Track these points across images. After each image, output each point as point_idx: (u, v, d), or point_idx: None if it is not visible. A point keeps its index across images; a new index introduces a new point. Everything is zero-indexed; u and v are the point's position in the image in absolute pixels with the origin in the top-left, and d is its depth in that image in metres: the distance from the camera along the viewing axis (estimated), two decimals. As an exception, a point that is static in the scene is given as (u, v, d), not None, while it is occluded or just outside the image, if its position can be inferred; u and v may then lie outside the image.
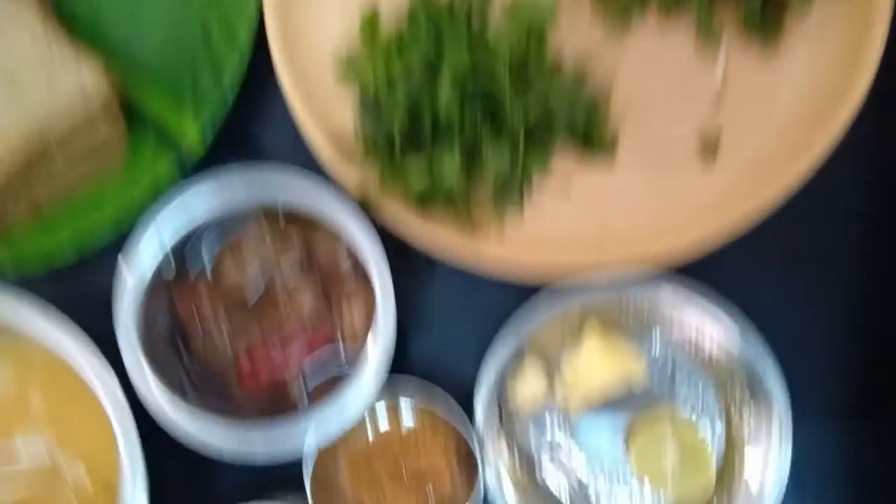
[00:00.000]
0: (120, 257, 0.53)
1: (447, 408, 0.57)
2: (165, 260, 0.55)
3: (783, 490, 0.56)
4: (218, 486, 0.63)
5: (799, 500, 0.59)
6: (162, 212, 0.54)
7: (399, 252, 0.58)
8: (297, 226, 0.58)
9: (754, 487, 0.57)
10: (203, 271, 0.58)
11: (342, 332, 0.58)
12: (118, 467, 0.53)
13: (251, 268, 0.57)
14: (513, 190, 0.61)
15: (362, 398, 0.54)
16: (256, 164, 0.56)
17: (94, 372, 0.52)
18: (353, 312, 0.58)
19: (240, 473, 0.61)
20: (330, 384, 0.58)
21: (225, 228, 0.58)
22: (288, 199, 0.55)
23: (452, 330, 0.64)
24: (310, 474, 0.56)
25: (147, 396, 0.53)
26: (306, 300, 0.57)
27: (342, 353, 0.58)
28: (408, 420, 0.60)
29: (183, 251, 0.58)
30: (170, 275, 0.57)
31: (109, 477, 0.55)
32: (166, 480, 0.55)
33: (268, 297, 0.58)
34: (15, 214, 0.60)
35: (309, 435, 0.53)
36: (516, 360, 0.59)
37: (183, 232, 0.55)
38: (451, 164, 0.55)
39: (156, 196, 0.58)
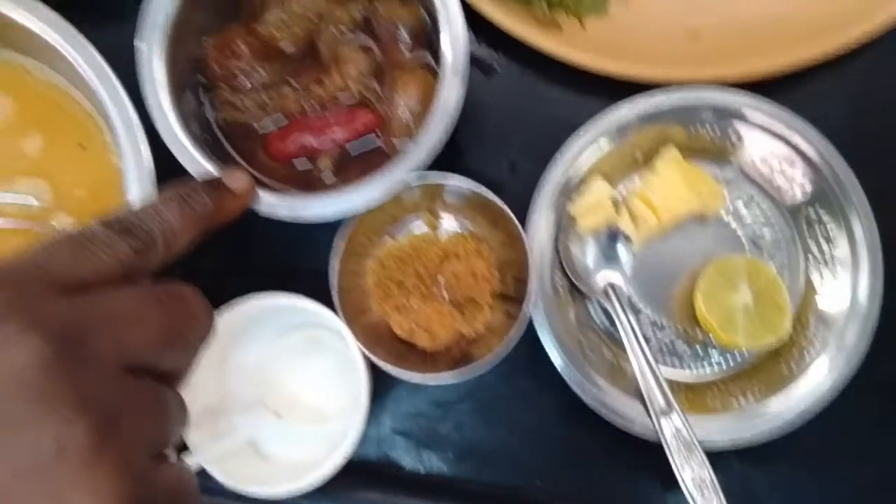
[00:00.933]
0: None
1: (499, 209, 0.50)
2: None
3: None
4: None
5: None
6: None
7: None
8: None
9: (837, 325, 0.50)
10: (245, 14, 0.51)
11: (391, 117, 0.50)
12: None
13: (298, 16, 0.50)
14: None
15: (397, 179, 0.46)
16: None
17: (109, 95, 0.45)
18: (407, 94, 0.49)
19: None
20: (364, 160, 0.50)
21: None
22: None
23: (508, 145, 0.56)
24: (336, 268, 0.48)
25: (164, 126, 0.45)
26: (356, 66, 0.50)
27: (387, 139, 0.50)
28: (449, 222, 0.53)
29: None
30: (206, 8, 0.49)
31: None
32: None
33: (313, 55, 0.51)
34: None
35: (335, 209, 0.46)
36: (579, 177, 0.52)
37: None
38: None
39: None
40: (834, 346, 0.50)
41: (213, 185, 0.39)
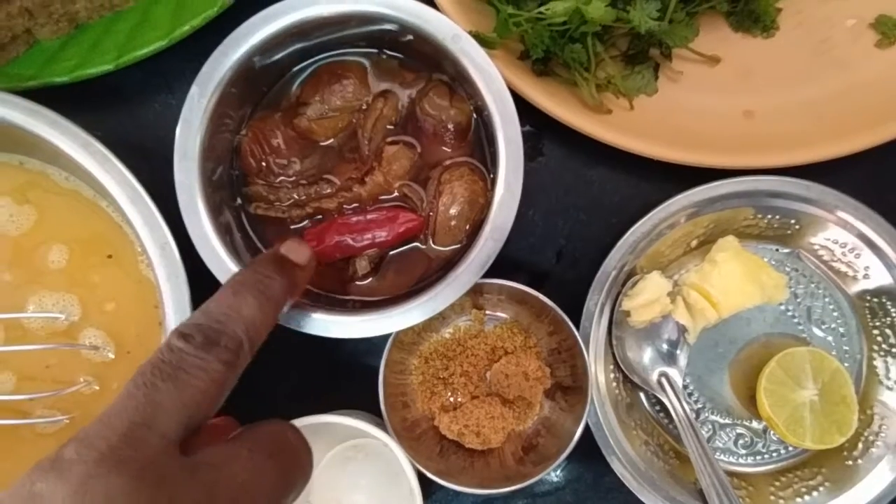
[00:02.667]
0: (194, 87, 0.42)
1: (546, 306, 0.47)
2: (238, 77, 0.44)
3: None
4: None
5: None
6: (244, 25, 0.43)
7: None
8: (406, 70, 0.48)
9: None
10: (284, 106, 0.48)
11: (434, 220, 0.47)
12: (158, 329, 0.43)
13: (338, 109, 0.47)
14: (650, 59, 0.50)
15: (458, 290, 0.43)
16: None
17: (139, 213, 0.42)
18: (452, 197, 0.46)
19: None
20: (403, 260, 0.47)
21: (319, 60, 0.48)
22: (396, 17, 0.44)
23: (557, 229, 0.53)
24: (382, 376, 0.46)
25: (200, 237, 0.42)
26: (400, 164, 0.47)
27: (429, 240, 0.47)
28: (494, 312, 0.51)
29: (266, 79, 0.47)
30: (241, 101, 0.46)
31: (131, 345, 0.45)
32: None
33: (352, 149, 0.48)
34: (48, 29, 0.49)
35: (378, 327, 0.43)
36: (634, 269, 0.50)
37: (267, 49, 0.44)
38: (598, 5, 0.44)
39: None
40: (901, 439, 0.48)
41: (280, 262, 0.36)
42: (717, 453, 0.51)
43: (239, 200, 0.48)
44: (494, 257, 0.42)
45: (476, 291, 0.49)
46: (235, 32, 0.43)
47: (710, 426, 0.51)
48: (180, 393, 0.27)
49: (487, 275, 0.43)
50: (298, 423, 0.43)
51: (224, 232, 0.44)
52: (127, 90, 0.52)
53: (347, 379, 0.51)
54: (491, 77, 0.44)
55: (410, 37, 0.45)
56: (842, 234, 0.49)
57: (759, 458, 0.51)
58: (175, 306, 0.41)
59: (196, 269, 0.42)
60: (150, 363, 0.28)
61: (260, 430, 0.30)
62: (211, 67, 0.43)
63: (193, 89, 0.42)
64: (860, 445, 0.49)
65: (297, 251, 0.38)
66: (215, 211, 0.44)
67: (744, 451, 0.51)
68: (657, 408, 0.51)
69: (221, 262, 0.42)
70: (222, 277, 0.42)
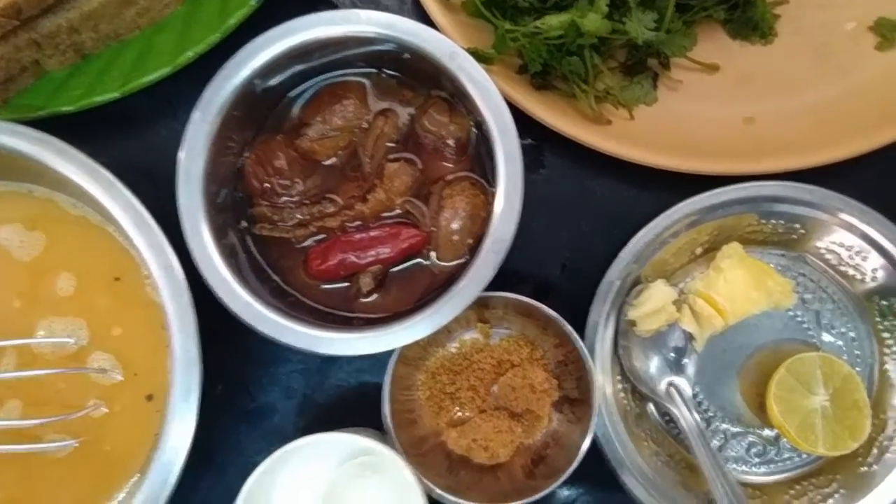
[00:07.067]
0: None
1: (551, 318, 0.47)
2: (240, 101, 0.44)
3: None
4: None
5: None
6: (244, 48, 0.44)
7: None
8: (405, 88, 0.48)
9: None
10: (287, 127, 0.48)
11: (437, 235, 0.47)
12: (166, 370, 0.43)
13: (340, 129, 0.47)
14: (648, 69, 0.51)
15: (460, 305, 0.43)
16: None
17: (144, 237, 0.42)
18: (454, 211, 0.46)
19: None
20: (407, 277, 0.48)
21: (319, 81, 0.49)
22: (394, 38, 0.44)
23: (561, 240, 0.53)
24: (388, 393, 0.46)
25: (212, 270, 0.43)
26: (402, 181, 0.47)
27: (432, 255, 0.48)
28: (498, 330, 0.51)
29: (267, 101, 0.48)
30: (244, 123, 0.47)
31: (139, 367, 0.46)
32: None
33: (354, 168, 0.48)
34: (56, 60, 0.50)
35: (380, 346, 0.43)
36: (637, 279, 0.49)
37: (268, 72, 0.45)
38: (594, 17, 0.44)
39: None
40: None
41: None
42: (730, 463, 0.50)
43: (244, 223, 0.48)
44: (496, 270, 0.43)
45: (481, 305, 0.49)
46: (236, 56, 0.44)
47: (721, 435, 0.51)
48: None
49: (491, 288, 0.43)
50: (305, 441, 0.43)
51: (229, 254, 0.45)
52: (134, 116, 0.53)
53: (354, 396, 0.51)
54: (488, 92, 0.44)
55: (408, 55, 0.46)
56: (847, 237, 0.49)
57: (772, 466, 0.50)
58: (180, 327, 0.42)
59: (203, 291, 0.43)
60: None
61: None
62: (212, 91, 0.43)
63: (195, 113, 0.43)
64: (875, 451, 0.49)
65: None
66: (219, 232, 0.45)
67: (757, 460, 0.51)
68: (667, 418, 0.51)
69: (226, 284, 0.43)
70: (227, 298, 0.43)
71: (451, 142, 0.48)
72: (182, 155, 0.43)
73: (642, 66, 0.51)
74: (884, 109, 0.50)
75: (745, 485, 0.49)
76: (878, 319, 0.50)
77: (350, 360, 0.52)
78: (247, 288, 0.43)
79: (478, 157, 0.48)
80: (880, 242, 0.48)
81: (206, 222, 0.43)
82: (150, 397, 0.45)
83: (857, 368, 0.50)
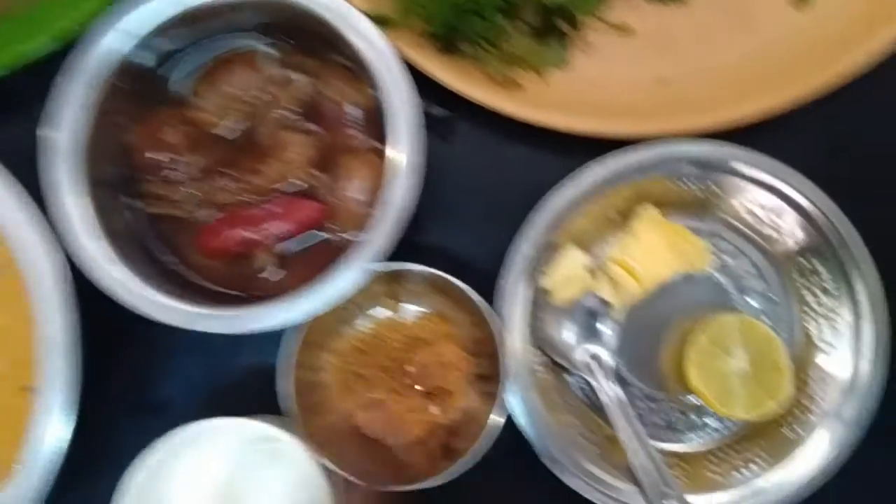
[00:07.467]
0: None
1: (462, 292, 0.45)
2: (124, 71, 0.42)
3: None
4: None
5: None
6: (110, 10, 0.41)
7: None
8: (303, 56, 0.46)
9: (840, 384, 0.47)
10: (176, 99, 0.46)
11: (339, 207, 0.45)
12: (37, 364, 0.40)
13: (235, 99, 0.45)
14: (558, 31, 0.49)
15: (351, 279, 0.41)
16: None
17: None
18: (356, 182, 0.45)
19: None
20: (311, 254, 0.46)
21: (211, 49, 0.46)
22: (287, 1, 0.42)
23: (472, 215, 0.52)
24: (290, 375, 0.44)
25: (79, 248, 0.40)
26: (297, 152, 0.45)
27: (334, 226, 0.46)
28: (413, 304, 0.49)
29: (156, 72, 0.45)
30: (131, 96, 0.44)
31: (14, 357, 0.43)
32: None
33: (251, 141, 0.46)
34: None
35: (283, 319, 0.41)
36: (550, 246, 0.48)
37: (151, 39, 0.42)
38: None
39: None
40: (839, 403, 0.46)
41: None
42: (652, 432, 0.49)
43: (138, 202, 0.46)
44: (394, 241, 0.41)
45: (392, 280, 0.47)
46: (105, 15, 0.41)
47: (643, 405, 0.49)
48: None
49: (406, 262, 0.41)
50: (198, 425, 0.41)
51: (116, 233, 0.42)
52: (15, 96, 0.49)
53: (262, 384, 0.49)
54: (386, 57, 0.42)
55: (304, 21, 0.43)
56: (763, 195, 0.48)
57: (695, 434, 0.49)
58: (57, 314, 0.39)
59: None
60: None
61: None
62: (78, 55, 0.40)
63: (57, 79, 0.40)
64: (797, 412, 0.48)
65: None
66: (105, 211, 0.42)
67: (680, 430, 0.49)
68: (586, 390, 0.49)
69: (94, 262, 0.41)
70: (94, 275, 0.41)
71: (353, 110, 0.46)
72: (43, 124, 0.40)
73: (552, 28, 0.50)
74: (799, 65, 0.49)
75: (666, 454, 0.48)
76: (797, 279, 0.49)
77: (258, 347, 0.49)
78: (127, 266, 0.40)
79: (381, 125, 0.46)
80: (796, 199, 0.47)
81: (75, 198, 0.40)
82: (25, 388, 0.42)
83: (780, 331, 0.49)
